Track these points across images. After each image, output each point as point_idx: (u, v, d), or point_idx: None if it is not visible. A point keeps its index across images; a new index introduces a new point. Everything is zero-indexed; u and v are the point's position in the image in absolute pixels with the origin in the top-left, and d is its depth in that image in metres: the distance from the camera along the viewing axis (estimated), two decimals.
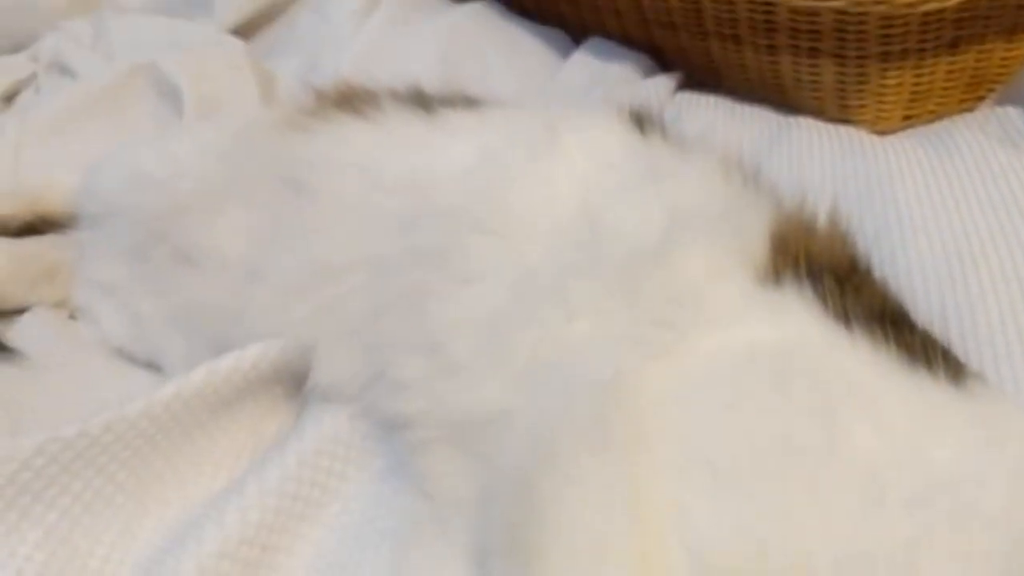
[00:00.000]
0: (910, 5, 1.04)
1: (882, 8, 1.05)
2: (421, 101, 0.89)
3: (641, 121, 0.83)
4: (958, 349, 0.68)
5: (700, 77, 1.31)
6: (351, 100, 0.90)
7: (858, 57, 1.14)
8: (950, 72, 1.19)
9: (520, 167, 0.76)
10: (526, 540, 0.57)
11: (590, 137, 0.78)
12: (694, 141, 0.85)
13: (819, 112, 1.20)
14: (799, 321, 0.64)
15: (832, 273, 0.67)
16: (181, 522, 0.68)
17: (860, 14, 1.08)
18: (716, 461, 0.57)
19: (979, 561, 0.53)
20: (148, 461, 0.69)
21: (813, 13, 1.12)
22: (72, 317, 0.98)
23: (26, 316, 0.94)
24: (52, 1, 1.61)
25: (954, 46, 1.16)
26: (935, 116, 1.20)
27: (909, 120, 1.18)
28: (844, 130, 1.15)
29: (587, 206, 0.71)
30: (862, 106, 1.17)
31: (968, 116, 1.17)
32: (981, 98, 1.23)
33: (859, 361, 0.62)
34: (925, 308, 0.76)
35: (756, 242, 0.69)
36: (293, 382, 0.77)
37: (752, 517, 0.55)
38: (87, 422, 0.65)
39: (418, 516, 0.67)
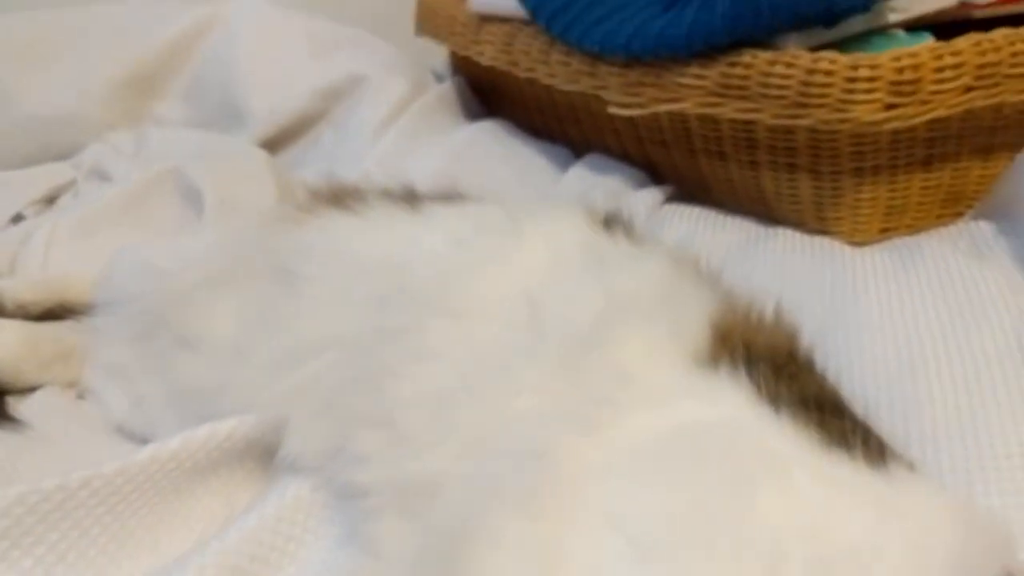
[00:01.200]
0: (875, 124, 1.10)
1: (849, 126, 1.11)
2: (408, 197, 0.97)
3: (608, 221, 0.90)
4: (903, 441, 0.72)
5: (691, 191, 1.39)
6: (341, 196, 0.99)
7: (832, 172, 1.20)
8: (925, 188, 1.24)
9: (482, 254, 0.83)
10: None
11: (551, 230, 0.85)
12: (654, 240, 0.92)
13: (799, 224, 1.26)
14: (728, 403, 0.69)
15: (770, 362, 0.72)
16: None
17: (831, 132, 1.15)
18: (634, 531, 0.62)
19: None
20: (123, 520, 0.75)
21: (788, 131, 1.19)
22: (80, 397, 1.05)
23: (37, 393, 1.01)
24: (101, 115, 1.73)
25: (927, 163, 1.22)
26: (912, 230, 1.25)
27: (886, 233, 1.23)
28: (819, 241, 1.20)
29: (534, 291, 0.77)
30: (839, 219, 1.23)
31: (943, 230, 1.22)
32: (960, 214, 1.28)
33: (780, 440, 0.66)
34: (876, 404, 0.80)
35: (696, 329, 0.74)
36: (266, 455, 0.83)
37: None
38: (66, 476, 0.71)
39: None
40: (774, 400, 0.69)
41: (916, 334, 0.95)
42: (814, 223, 1.25)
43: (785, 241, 1.20)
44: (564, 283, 0.78)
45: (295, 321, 0.86)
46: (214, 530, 0.79)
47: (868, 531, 0.62)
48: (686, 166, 1.38)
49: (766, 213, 1.29)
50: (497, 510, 0.64)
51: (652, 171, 1.43)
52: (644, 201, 1.31)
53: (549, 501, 0.64)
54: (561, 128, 1.58)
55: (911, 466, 0.70)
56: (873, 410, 0.76)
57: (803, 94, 1.12)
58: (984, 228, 1.18)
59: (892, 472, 0.67)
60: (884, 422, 0.75)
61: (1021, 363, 0.90)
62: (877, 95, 1.09)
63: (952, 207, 1.28)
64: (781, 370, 0.72)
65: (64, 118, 1.72)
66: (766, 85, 1.14)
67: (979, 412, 0.86)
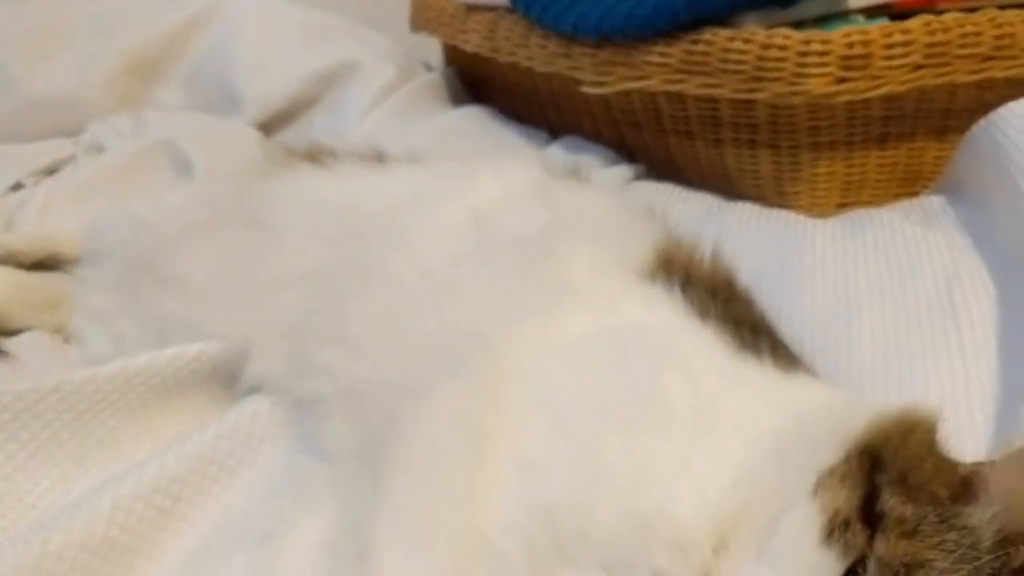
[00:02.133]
0: (827, 96, 1.16)
1: (803, 99, 1.16)
2: (377, 157, 1.03)
3: (560, 170, 0.96)
4: (833, 376, 0.80)
5: (660, 170, 1.44)
6: (315, 153, 1.05)
7: (791, 147, 1.26)
8: (881, 166, 1.30)
9: (438, 194, 0.89)
10: (385, 452, 0.67)
11: (505, 170, 0.91)
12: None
13: (761, 199, 1.31)
14: (660, 311, 0.75)
15: (705, 287, 0.78)
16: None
17: (788, 106, 1.21)
18: (556, 409, 0.68)
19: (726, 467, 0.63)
20: (90, 427, 0.80)
21: (749, 107, 1.24)
22: (67, 342, 1.11)
23: (25, 334, 1.07)
24: (103, 99, 1.80)
25: (883, 141, 1.28)
26: (870, 206, 1.29)
27: (844, 208, 1.28)
28: (776, 212, 1.25)
29: (484, 215, 0.82)
30: (797, 193, 1.28)
31: (897, 205, 1.27)
32: (916, 193, 1.33)
33: (696, 340, 0.73)
34: (813, 344, 0.86)
35: (639, 253, 0.80)
36: (231, 380, 0.88)
37: (575, 450, 0.66)
38: (39, 380, 0.77)
39: (316, 477, 0.76)
40: (703, 315, 0.75)
41: (855, 285, 1.01)
42: (774, 198, 1.30)
43: (744, 211, 1.25)
44: (513, 208, 0.84)
45: (266, 260, 0.92)
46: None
47: (749, 407, 0.68)
48: (656, 146, 1.43)
49: (730, 189, 1.35)
50: (436, 376, 0.70)
51: (625, 152, 1.49)
52: (614, 177, 1.36)
53: (484, 374, 0.70)
54: (541, 113, 1.64)
55: (814, 377, 0.76)
56: (810, 349, 0.81)
57: (759, 68, 1.17)
58: (935, 201, 1.23)
59: (793, 376, 0.74)
60: (819, 359, 0.81)
61: (950, 314, 0.95)
62: (829, 69, 1.14)
63: (910, 186, 1.33)
64: (715, 294, 0.78)
65: (67, 101, 1.78)
66: (725, 61, 1.20)
67: (905, 356, 0.91)
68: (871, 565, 0.56)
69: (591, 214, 0.85)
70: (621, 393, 0.68)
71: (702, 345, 0.73)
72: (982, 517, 0.58)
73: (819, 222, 1.19)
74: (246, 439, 0.81)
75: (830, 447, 0.63)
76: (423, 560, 0.62)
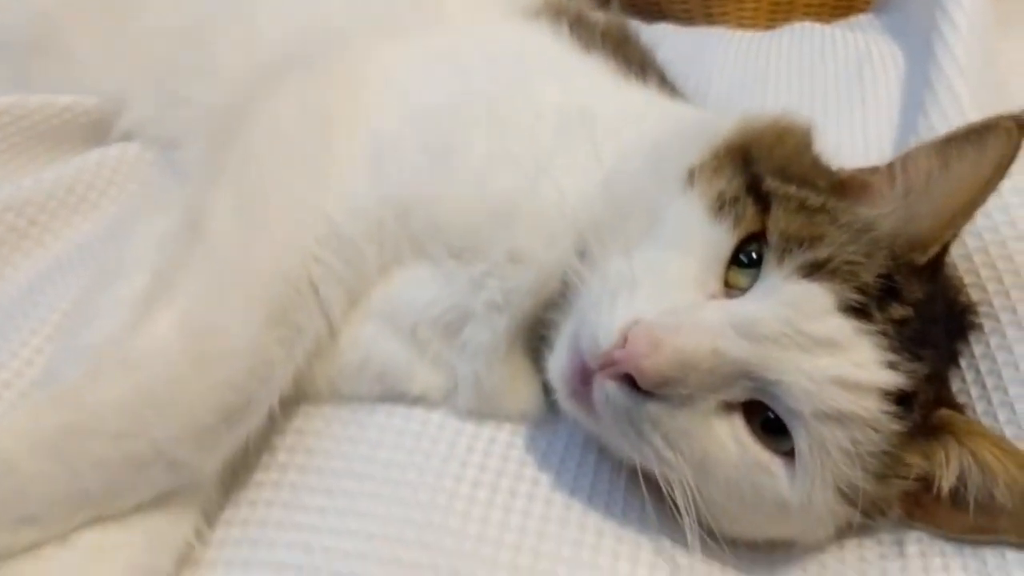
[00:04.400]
0: None
1: None
2: None
3: None
4: None
5: None
6: None
7: None
8: None
9: None
10: (238, 144, 0.64)
11: None
12: None
13: (689, 21, 1.28)
14: (539, 37, 0.73)
15: (595, 31, 0.76)
16: None
17: None
18: (416, 100, 0.66)
19: (600, 156, 0.61)
20: None
21: None
22: None
23: None
24: None
25: None
26: None
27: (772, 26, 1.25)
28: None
29: None
30: (724, 13, 1.25)
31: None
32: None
33: (573, 58, 0.71)
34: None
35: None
36: (104, 136, 0.85)
37: (432, 140, 0.64)
38: None
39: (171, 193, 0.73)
40: (588, 48, 0.72)
41: (768, 64, 0.98)
42: (702, 20, 1.27)
43: (668, 27, 1.22)
44: None
45: (139, 14, 0.88)
46: None
47: (625, 116, 0.66)
48: None
49: (657, 12, 1.31)
50: (296, 74, 0.67)
51: None
52: None
53: (338, 68, 0.67)
54: None
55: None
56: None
57: None
58: (863, 18, 1.20)
59: (676, 100, 0.71)
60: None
61: (857, 87, 0.93)
62: None
63: (844, 12, 1.29)
64: (605, 37, 0.75)
65: None
66: None
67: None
68: (773, 236, 0.54)
69: None
70: (488, 93, 0.66)
71: (583, 65, 0.70)
72: (873, 213, 0.56)
73: (741, 33, 1.16)
74: (111, 175, 0.79)
75: (700, 149, 0.61)
76: (257, 232, 0.60)
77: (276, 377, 0.57)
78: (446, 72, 0.67)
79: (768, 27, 1.25)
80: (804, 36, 1.06)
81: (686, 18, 1.28)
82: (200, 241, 0.59)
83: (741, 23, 1.25)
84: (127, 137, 0.83)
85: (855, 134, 0.85)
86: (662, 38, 1.10)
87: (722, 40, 1.12)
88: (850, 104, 0.90)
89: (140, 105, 0.83)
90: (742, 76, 0.98)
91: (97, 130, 0.85)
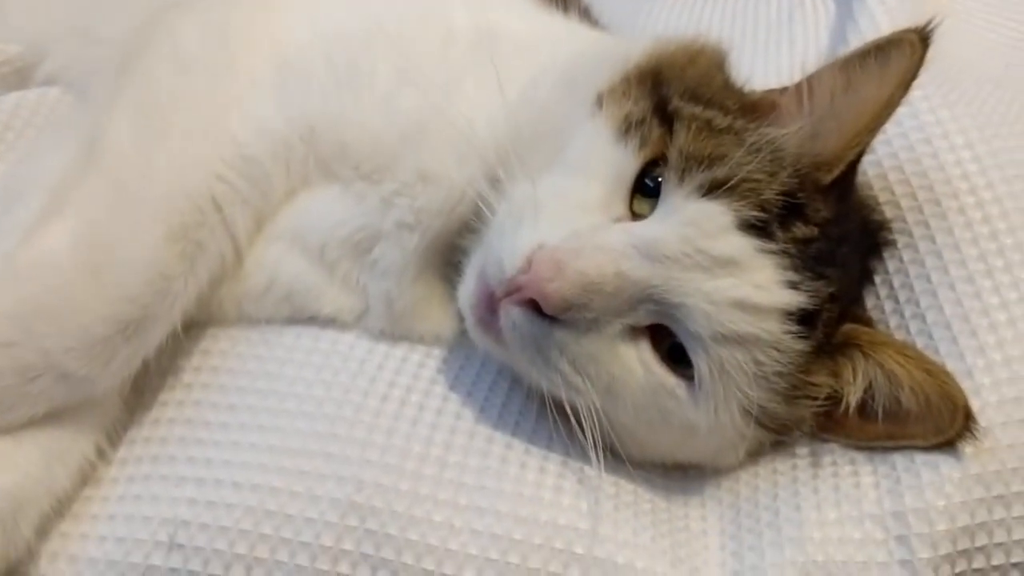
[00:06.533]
0: None
1: None
2: None
3: None
4: None
5: None
6: None
7: None
8: None
9: None
10: (139, 65, 0.63)
11: None
12: None
13: None
14: None
15: None
16: None
17: None
18: (323, 21, 0.65)
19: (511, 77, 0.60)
20: None
21: None
22: None
23: None
24: None
25: None
26: None
27: None
28: None
29: None
30: None
31: None
32: None
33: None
34: None
35: None
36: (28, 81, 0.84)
37: (339, 59, 0.63)
38: None
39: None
40: None
41: (703, 7, 1.00)
42: None
43: None
44: None
45: None
46: None
47: (539, 40, 0.66)
48: None
49: None
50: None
51: None
52: None
53: None
54: None
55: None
56: None
57: None
58: None
59: (594, 29, 0.71)
60: None
61: (787, 30, 0.93)
62: None
63: None
64: None
65: None
66: None
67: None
68: (672, 156, 0.53)
69: None
70: (398, 13, 0.65)
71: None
72: (778, 132, 0.56)
73: None
74: (29, 116, 0.78)
75: (611, 72, 0.60)
76: (157, 150, 0.59)
77: (176, 292, 0.57)
78: None
79: None
80: None
81: None
82: (97, 158, 0.58)
83: None
84: (49, 83, 0.82)
85: (782, 74, 0.85)
86: None
87: None
88: (778, 46, 0.90)
89: (61, 49, 0.82)
90: (675, 24, 0.97)
91: (21, 77, 0.84)
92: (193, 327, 0.62)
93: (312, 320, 0.64)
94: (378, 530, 0.53)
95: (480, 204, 0.57)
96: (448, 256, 0.63)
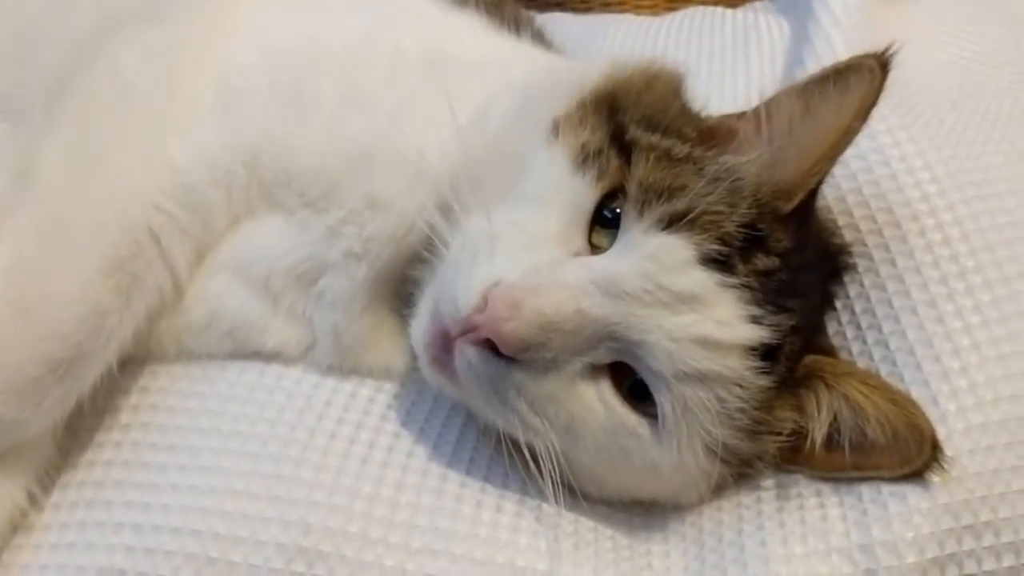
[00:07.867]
0: None
1: None
2: None
3: None
4: None
5: None
6: None
7: None
8: None
9: None
10: (75, 91, 0.60)
11: None
12: None
13: (586, 10, 1.27)
14: None
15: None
16: None
17: None
18: (269, 45, 0.63)
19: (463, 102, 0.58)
20: None
21: None
22: None
23: None
24: None
25: None
26: None
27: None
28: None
29: None
30: (622, 2, 1.25)
31: None
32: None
33: (444, 14, 0.69)
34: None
35: None
36: None
37: (283, 84, 0.61)
38: None
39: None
40: (461, 5, 0.70)
41: (657, 36, 1.00)
42: (599, 9, 1.27)
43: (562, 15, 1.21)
44: None
45: None
46: None
47: (494, 64, 0.64)
48: None
49: (556, 3, 1.31)
50: (139, 21, 0.64)
51: None
52: None
53: (187, 18, 0.64)
54: None
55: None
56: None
57: None
58: (759, 4, 1.20)
59: (548, 52, 0.69)
60: None
61: (742, 49, 0.93)
62: None
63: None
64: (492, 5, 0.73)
65: None
66: None
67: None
68: (632, 188, 0.51)
69: None
70: (346, 34, 0.63)
71: (451, 17, 0.68)
72: (737, 160, 0.54)
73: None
74: None
75: (567, 97, 0.59)
76: (92, 179, 0.57)
77: (111, 328, 0.54)
78: (303, 15, 0.65)
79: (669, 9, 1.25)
80: (696, 16, 1.06)
81: (584, 8, 1.27)
82: (28, 189, 0.56)
83: (639, 11, 1.24)
84: None
85: (738, 98, 0.84)
86: (556, 23, 1.11)
87: (614, 22, 1.11)
88: (734, 69, 0.90)
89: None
90: (631, 46, 0.97)
91: None
92: (130, 364, 0.59)
93: (256, 355, 0.61)
94: None
95: (431, 234, 0.55)
96: (397, 287, 0.61)
